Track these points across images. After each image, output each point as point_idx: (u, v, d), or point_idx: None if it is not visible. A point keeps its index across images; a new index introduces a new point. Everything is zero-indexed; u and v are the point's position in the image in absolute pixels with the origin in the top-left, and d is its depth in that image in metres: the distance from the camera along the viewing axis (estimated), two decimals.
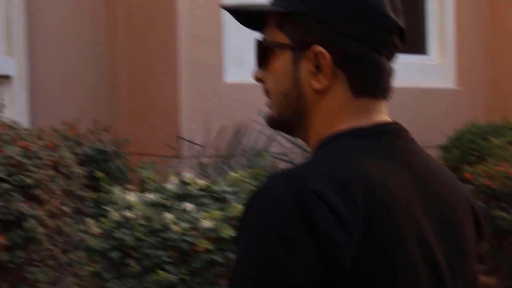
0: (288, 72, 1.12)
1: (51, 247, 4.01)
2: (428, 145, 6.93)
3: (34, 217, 3.89)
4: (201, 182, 4.00)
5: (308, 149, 1.15)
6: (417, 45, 7.47)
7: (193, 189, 3.89)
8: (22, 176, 3.91)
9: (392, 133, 1.12)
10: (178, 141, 5.74)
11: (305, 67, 1.10)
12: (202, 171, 5.03)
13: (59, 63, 7.03)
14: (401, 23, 1.11)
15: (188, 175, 4.13)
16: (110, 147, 5.48)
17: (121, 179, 5.46)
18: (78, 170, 4.35)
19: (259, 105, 6.34)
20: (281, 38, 1.13)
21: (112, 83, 6.98)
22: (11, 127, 4.52)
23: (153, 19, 6.44)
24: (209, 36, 6.31)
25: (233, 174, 4.21)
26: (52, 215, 4.02)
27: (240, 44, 6.48)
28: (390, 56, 1.13)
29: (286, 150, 5.57)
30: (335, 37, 1.07)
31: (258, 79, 1.20)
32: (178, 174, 4.18)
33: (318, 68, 1.09)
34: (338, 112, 1.10)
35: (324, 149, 1.09)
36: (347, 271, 0.96)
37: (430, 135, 6.78)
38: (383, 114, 1.13)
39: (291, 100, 1.13)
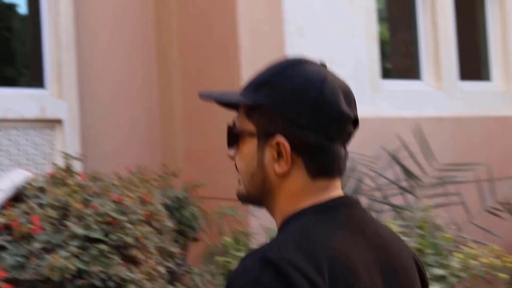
0: (255, 156, 1.22)
1: None
2: (500, 177, 6.55)
3: (133, 282, 3.39)
4: None
5: (275, 224, 1.25)
6: (480, 72, 7.05)
7: None
8: (120, 235, 3.42)
9: (346, 205, 1.22)
10: None
11: (269, 153, 1.20)
12: None
13: (110, 105, 6.55)
14: (354, 114, 1.22)
15: None
16: (182, 193, 5.00)
17: (194, 228, 4.96)
18: (170, 224, 3.85)
19: None
20: (249, 126, 1.23)
21: (166, 124, 6.49)
22: (94, 177, 4.04)
23: (212, 56, 5.99)
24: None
25: None
26: (150, 278, 3.52)
27: None
28: (344, 142, 1.23)
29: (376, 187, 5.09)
30: (294, 129, 1.18)
31: (230, 157, 1.29)
32: None
33: (279, 154, 1.20)
34: (298, 193, 1.20)
35: (290, 226, 1.18)
36: None
37: (503, 167, 6.34)
38: (338, 189, 1.23)
39: (258, 181, 1.23)
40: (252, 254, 1.14)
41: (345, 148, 1.24)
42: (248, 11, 5.75)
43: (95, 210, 3.54)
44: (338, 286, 1.09)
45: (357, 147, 4.95)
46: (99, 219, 3.45)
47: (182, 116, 6.37)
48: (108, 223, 3.48)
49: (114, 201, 3.58)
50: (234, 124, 1.28)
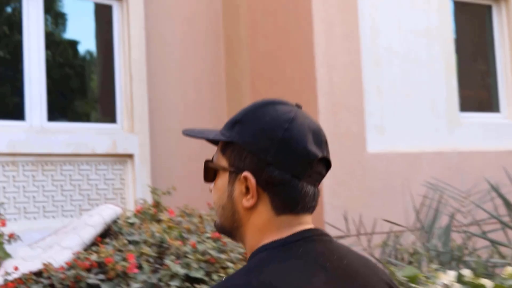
0: (226, 190, 1.25)
1: None
2: None
3: None
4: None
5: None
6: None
7: None
8: (222, 275, 3.15)
9: (308, 239, 1.21)
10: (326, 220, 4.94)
11: (238, 188, 1.23)
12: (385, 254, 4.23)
13: (180, 140, 6.36)
14: (324, 154, 1.24)
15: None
16: None
17: None
18: None
19: (405, 176, 5.56)
20: (223, 161, 1.26)
21: None
22: (184, 212, 3.79)
23: (290, 87, 5.77)
24: (350, 103, 5.61)
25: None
26: None
27: (381, 110, 5.77)
28: (313, 181, 1.23)
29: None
30: (262, 166, 1.20)
31: (210, 190, 1.31)
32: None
33: (247, 189, 1.22)
34: (263, 227, 1.22)
35: (250, 262, 1.20)
36: None
37: None
38: (304, 224, 1.23)
39: (228, 213, 1.26)
40: None
41: (314, 186, 1.24)
42: (325, 44, 5.53)
43: (193, 247, 3.29)
44: None
45: (440, 179, 4.67)
46: (200, 257, 3.19)
47: None
48: (207, 262, 3.21)
49: (212, 238, 3.32)
50: (211, 159, 1.31)
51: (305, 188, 1.22)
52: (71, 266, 3.37)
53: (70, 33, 6.59)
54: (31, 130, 5.72)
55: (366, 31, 5.72)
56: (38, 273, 3.45)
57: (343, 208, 5.40)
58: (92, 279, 3.32)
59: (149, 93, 6.11)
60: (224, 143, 1.27)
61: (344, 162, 5.49)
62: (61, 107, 6.17)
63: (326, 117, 5.46)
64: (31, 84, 5.74)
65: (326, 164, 1.27)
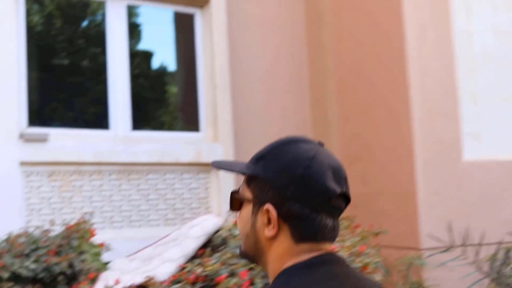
0: (250, 220, 1.31)
1: None
2: None
3: None
4: None
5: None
6: None
7: None
8: None
9: (326, 262, 1.26)
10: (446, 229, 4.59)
11: (261, 219, 1.29)
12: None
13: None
14: (343, 189, 1.28)
15: None
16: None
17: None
18: (379, 276, 3.27)
19: (503, 185, 5.15)
20: (247, 193, 1.31)
21: None
22: None
23: (379, 95, 5.46)
24: (444, 110, 5.26)
25: None
26: None
27: (477, 117, 5.40)
28: (332, 214, 1.28)
29: None
30: (282, 199, 1.25)
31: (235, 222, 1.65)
32: None
33: (269, 220, 1.27)
34: (284, 254, 1.27)
35: (276, 281, 1.25)
36: None
37: None
38: (323, 251, 1.27)
39: (251, 242, 1.32)
40: None
41: (334, 219, 1.28)
42: (418, 49, 5.20)
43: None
44: None
45: None
46: None
47: (340, 159, 5.83)
48: None
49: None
50: (238, 190, 1.36)
51: (324, 221, 1.27)
52: (176, 280, 3.14)
53: (148, 43, 6.45)
54: (116, 139, 5.56)
55: (460, 35, 5.36)
56: (141, 287, 3.23)
57: (438, 219, 5.04)
58: None
59: (233, 102, 5.89)
60: (249, 176, 1.32)
61: (439, 171, 5.14)
62: (145, 116, 6.01)
63: (420, 125, 5.13)
64: (115, 94, 5.59)
65: (346, 199, 1.31)
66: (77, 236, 4.31)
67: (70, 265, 4.13)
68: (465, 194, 5.17)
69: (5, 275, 3.91)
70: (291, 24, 6.23)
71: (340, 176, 1.29)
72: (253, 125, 5.97)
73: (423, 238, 4.97)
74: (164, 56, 6.50)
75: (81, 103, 5.80)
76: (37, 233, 4.43)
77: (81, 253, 4.26)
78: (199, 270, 3.17)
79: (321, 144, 1.33)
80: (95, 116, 5.87)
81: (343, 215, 4.58)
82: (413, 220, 5.05)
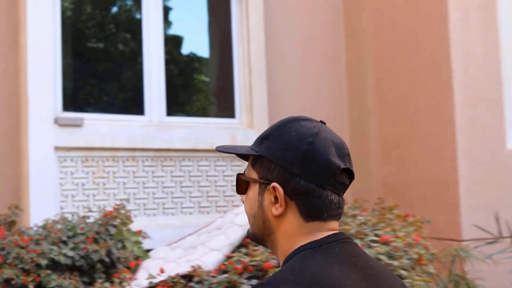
0: (257, 200, 1.31)
1: None
2: None
3: None
4: None
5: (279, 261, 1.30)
6: None
7: None
8: None
9: (340, 241, 1.26)
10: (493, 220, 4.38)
11: (268, 198, 1.29)
12: None
13: None
14: (346, 165, 1.28)
15: None
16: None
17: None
18: (432, 269, 3.10)
19: None
20: (253, 174, 1.32)
21: (360, 156, 5.79)
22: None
23: (420, 80, 5.25)
24: (488, 96, 5.04)
25: None
26: None
27: None
28: (337, 190, 1.28)
29: None
30: (288, 177, 1.26)
31: (242, 201, 1.38)
32: None
33: (276, 199, 1.28)
34: (294, 233, 1.27)
35: (290, 261, 1.24)
36: None
37: None
38: (332, 230, 1.28)
39: (259, 222, 1.31)
40: (258, 285, 1.17)
41: (339, 195, 1.28)
42: (461, 32, 4.98)
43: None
44: None
45: None
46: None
47: (378, 148, 5.63)
48: None
49: (381, 242, 2.86)
50: (243, 173, 1.36)
51: (330, 196, 1.26)
52: (223, 269, 2.99)
53: (180, 27, 6.29)
54: (150, 125, 5.42)
55: (505, 18, 5.14)
56: (186, 276, 3.08)
57: (481, 209, 4.85)
58: (246, 284, 2.93)
59: (269, 87, 5.72)
60: (254, 157, 1.32)
61: (481, 159, 4.93)
62: (179, 102, 5.86)
63: (462, 111, 4.92)
64: (150, 79, 5.44)
65: (350, 174, 1.30)
66: (116, 223, 4.18)
67: (108, 253, 4.01)
68: (509, 183, 4.97)
69: (43, 262, 3.79)
70: (328, 8, 6.03)
71: (343, 152, 1.29)
72: (288, 111, 5.80)
73: (464, 229, 4.79)
74: (197, 41, 6.34)
75: (115, 88, 5.67)
76: (73, 219, 4.31)
77: (119, 240, 4.13)
78: (246, 260, 3.02)
79: (323, 123, 1.33)
80: (129, 102, 5.74)
81: (388, 204, 4.41)
82: (454, 210, 4.86)
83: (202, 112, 6.15)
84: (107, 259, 3.98)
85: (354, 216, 3.29)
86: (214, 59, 6.26)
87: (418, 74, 5.21)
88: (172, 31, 6.30)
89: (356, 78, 5.81)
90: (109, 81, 5.71)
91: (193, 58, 6.33)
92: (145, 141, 5.27)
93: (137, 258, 3.91)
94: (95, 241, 4.05)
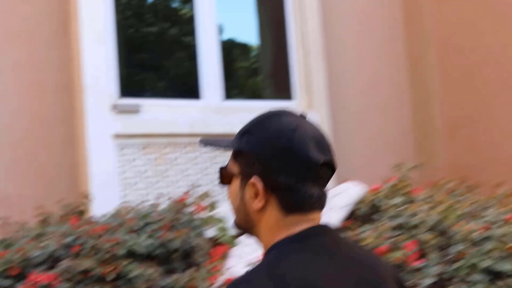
0: (238, 193, 1.30)
1: None
2: None
3: None
4: None
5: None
6: None
7: None
8: None
9: (318, 233, 1.25)
10: None
11: (248, 192, 1.28)
12: None
13: (359, 116, 5.64)
14: (327, 159, 1.26)
15: None
16: None
17: None
18: None
19: None
20: (234, 167, 1.31)
21: (422, 136, 5.49)
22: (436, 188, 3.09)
23: (488, 55, 4.94)
24: None
25: None
26: None
27: None
28: (317, 183, 1.26)
29: None
30: (268, 171, 1.25)
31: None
32: None
33: (256, 193, 1.27)
34: (274, 226, 1.26)
35: (269, 256, 1.24)
36: None
37: None
38: (313, 221, 1.26)
39: (242, 215, 1.31)
40: (232, 284, 1.19)
41: (320, 188, 1.27)
42: None
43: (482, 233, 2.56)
44: None
45: None
46: (498, 245, 2.46)
47: (442, 127, 5.33)
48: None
49: (506, 221, 2.59)
50: (226, 165, 1.35)
51: (310, 190, 1.25)
52: None
53: (231, 9, 6.00)
54: (208, 109, 5.16)
55: None
56: None
57: None
58: None
59: (327, 67, 5.43)
60: (235, 152, 1.31)
61: None
62: (235, 85, 5.59)
63: None
64: (206, 63, 5.17)
65: (331, 167, 1.28)
66: (189, 211, 3.93)
67: (185, 241, 3.75)
68: None
69: (121, 252, 3.54)
70: None
71: (323, 145, 1.28)
72: (348, 91, 5.51)
73: None
74: (248, 22, 6.05)
75: (170, 73, 5.40)
76: (144, 207, 4.06)
77: (194, 228, 3.88)
78: None
79: (303, 117, 1.32)
80: (185, 86, 5.47)
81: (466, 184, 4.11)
82: None
83: (259, 95, 5.88)
84: (184, 248, 3.73)
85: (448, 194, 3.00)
86: (268, 40, 5.97)
87: (487, 47, 4.91)
88: (222, 16, 6.01)
89: (416, 54, 5.51)
90: (165, 66, 5.44)
91: (248, 39, 6.05)
92: (204, 126, 5.01)
93: (215, 245, 3.65)
94: (171, 229, 3.79)
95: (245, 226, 1.32)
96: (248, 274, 1.21)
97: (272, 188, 1.25)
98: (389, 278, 1.29)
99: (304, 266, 1.19)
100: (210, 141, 1.40)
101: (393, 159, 5.27)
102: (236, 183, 1.31)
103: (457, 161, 5.15)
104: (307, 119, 1.32)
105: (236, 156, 1.32)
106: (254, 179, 1.26)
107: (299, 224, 1.25)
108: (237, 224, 1.35)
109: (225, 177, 1.35)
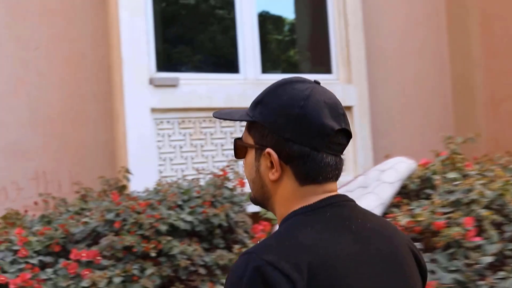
0: (254, 165, 1.27)
1: None
2: None
3: None
4: None
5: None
6: None
7: None
8: None
9: (333, 204, 1.22)
10: None
11: (264, 163, 1.25)
12: None
13: (399, 91, 5.48)
14: (341, 125, 1.21)
15: None
16: None
17: None
18: None
19: None
20: (249, 139, 1.28)
21: (464, 111, 5.32)
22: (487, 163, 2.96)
23: None
24: None
25: None
26: None
27: None
28: (333, 151, 1.22)
29: None
30: (282, 142, 1.21)
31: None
32: None
33: (271, 164, 1.23)
34: (290, 197, 1.23)
35: (281, 227, 1.22)
36: None
37: None
38: (329, 192, 1.23)
39: (258, 187, 1.28)
40: (243, 254, 1.17)
41: (336, 156, 1.23)
42: None
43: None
44: (318, 279, 1.11)
45: None
46: None
47: (485, 101, 5.15)
48: None
49: None
50: (241, 137, 1.32)
51: (325, 159, 1.22)
52: None
53: None
54: (246, 83, 5.05)
55: None
56: None
57: None
58: None
59: (366, 40, 5.27)
60: (249, 123, 1.28)
61: None
62: (273, 58, 5.46)
63: None
64: (244, 37, 5.05)
65: (346, 134, 1.23)
66: (231, 186, 3.85)
67: (227, 217, 3.68)
68: None
69: (163, 228, 3.48)
70: None
71: (337, 112, 1.23)
72: (387, 64, 5.36)
73: None
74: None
75: (207, 46, 5.29)
76: (184, 183, 3.99)
77: (237, 203, 3.81)
78: (403, 221, 2.64)
79: (317, 83, 1.27)
80: (223, 60, 5.37)
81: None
82: None
83: (294, 68, 5.75)
84: (225, 224, 3.65)
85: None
86: (306, 13, 5.81)
87: None
88: None
89: (458, 24, 5.31)
90: (201, 39, 5.33)
91: (284, 12, 5.90)
92: (242, 100, 4.91)
93: (258, 221, 3.57)
94: (212, 204, 3.72)
95: (261, 198, 1.30)
96: (257, 247, 1.18)
97: (287, 158, 1.21)
98: (406, 249, 1.26)
99: (317, 237, 1.17)
100: (224, 113, 1.34)
101: (432, 133, 5.13)
102: (251, 155, 1.28)
103: (499, 136, 4.99)
104: (320, 85, 1.27)
105: (250, 127, 1.28)
106: (269, 150, 1.23)
107: (315, 195, 1.23)
108: (254, 198, 1.32)
109: (240, 149, 1.31)
